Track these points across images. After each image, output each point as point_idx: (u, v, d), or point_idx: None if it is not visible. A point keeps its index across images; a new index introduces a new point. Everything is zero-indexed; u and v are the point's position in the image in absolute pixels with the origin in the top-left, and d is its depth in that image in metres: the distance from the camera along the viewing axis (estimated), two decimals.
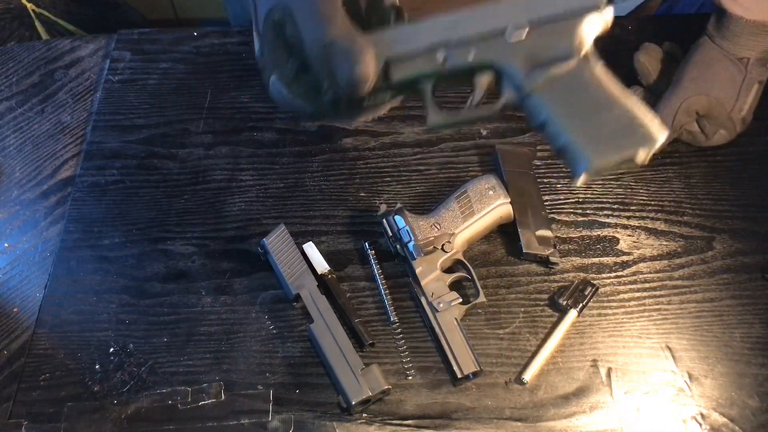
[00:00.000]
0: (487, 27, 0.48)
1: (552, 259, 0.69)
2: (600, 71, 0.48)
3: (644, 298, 0.68)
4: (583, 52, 0.48)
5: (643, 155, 0.46)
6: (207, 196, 0.76)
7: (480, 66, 0.49)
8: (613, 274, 0.70)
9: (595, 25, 0.48)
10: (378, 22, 0.50)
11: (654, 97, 0.77)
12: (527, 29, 0.48)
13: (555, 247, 0.69)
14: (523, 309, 0.68)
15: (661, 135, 0.46)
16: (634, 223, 0.73)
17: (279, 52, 0.50)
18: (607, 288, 0.69)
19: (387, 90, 0.51)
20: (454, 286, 0.67)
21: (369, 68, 0.46)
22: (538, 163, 0.77)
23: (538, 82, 0.48)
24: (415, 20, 0.50)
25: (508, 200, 0.70)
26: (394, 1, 0.51)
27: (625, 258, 0.71)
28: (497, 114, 0.50)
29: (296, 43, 0.48)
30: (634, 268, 0.70)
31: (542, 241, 0.69)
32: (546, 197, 0.74)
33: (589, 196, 0.75)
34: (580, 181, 0.47)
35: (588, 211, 0.74)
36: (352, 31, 0.46)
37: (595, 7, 0.48)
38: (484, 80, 0.50)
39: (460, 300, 0.65)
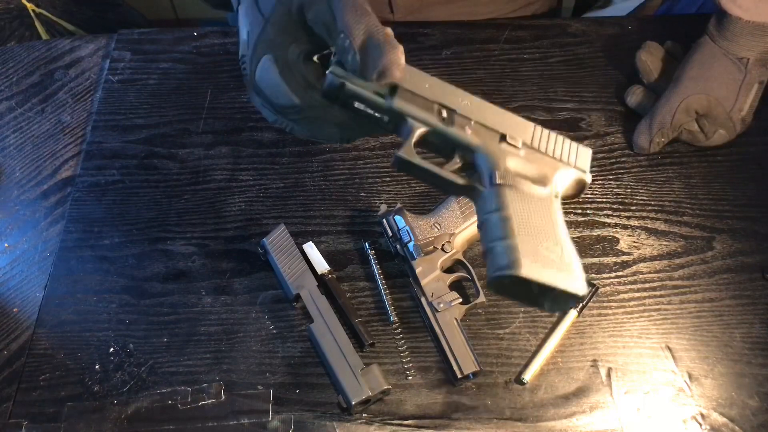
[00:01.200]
0: (495, 124, 0.51)
1: None
2: (559, 212, 0.50)
3: (644, 298, 0.68)
4: (554, 192, 0.50)
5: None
6: (207, 196, 0.76)
7: (468, 145, 0.50)
8: (613, 274, 0.70)
9: (569, 178, 0.52)
10: None
11: (654, 96, 0.77)
12: (522, 143, 0.51)
13: None
14: (523, 309, 0.68)
15: (580, 292, 0.46)
16: (634, 223, 0.73)
17: (286, 35, 0.50)
18: (607, 288, 0.69)
19: (383, 113, 0.50)
20: (454, 286, 0.67)
21: (402, 58, 0.47)
22: None
23: (507, 179, 0.49)
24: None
25: None
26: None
27: (625, 258, 0.71)
28: (457, 187, 0.50)
29: (322, 28, 0.48)
30: (634, 268, 0.70)
31: None
32: None
33: (589, 196, 0.75)
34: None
35: (588, 211, 0.74)
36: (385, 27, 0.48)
37: (581, 171, 0.52)
38: (463, 157, 0.51)
39: (460, 300, 0.65)
